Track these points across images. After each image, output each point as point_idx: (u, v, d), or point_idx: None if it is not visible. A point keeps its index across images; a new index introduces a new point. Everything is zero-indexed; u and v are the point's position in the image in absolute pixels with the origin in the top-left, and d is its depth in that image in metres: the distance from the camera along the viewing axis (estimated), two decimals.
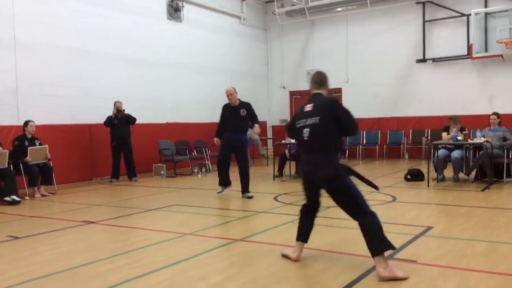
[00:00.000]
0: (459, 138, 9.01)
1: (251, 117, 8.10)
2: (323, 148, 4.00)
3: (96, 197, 8.79)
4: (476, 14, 13.18)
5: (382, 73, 14.99)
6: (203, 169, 12.10)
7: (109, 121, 10.67)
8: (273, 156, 13.36)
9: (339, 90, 15.59)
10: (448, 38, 14.06)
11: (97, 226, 6.17)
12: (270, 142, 16.47)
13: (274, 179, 10.43)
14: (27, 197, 8.60)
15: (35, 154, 8.84)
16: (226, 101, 8.15)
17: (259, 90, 16.65)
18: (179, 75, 13.41)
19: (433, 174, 9.46)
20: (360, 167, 12.54)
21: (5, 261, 4.60)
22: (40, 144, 9.10)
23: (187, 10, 13.71)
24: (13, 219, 6.79)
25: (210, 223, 6.13)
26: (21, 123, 9.15)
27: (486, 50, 13.26)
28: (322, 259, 4.33)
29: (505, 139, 9.05)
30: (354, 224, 3.96)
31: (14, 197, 8.00)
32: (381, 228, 3.85)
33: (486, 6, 13.39)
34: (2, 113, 9.38)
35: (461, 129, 9.32)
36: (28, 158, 8.70)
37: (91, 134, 10.95)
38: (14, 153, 8.72)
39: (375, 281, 3.70)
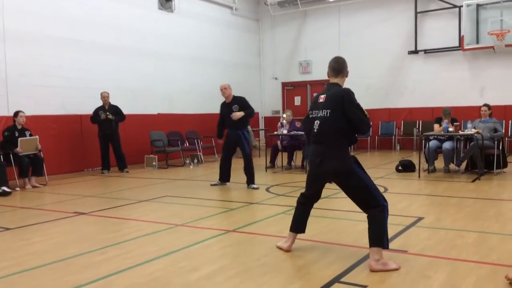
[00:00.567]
0: (450, 129, 9.06)
1: (244, 109, 8.09)
2: (333, 141, 3.92)
3: (87, 188, 8.76)
4: (468, 5, 13.23)
5: (374, 64, 15.00)
6: (195, 160, 12.08)
7: (95, 116, 10.56)
8: (265, 147, 13.36)
9: None
10: (440, 30, 14.09)
11: (89, 217, 6.15)
12: (262, 133, 16.47)
13: (266, 170, 10.43)
14: (17, 188, 8.56)
15: (26, 145, 8.78)
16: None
17: (251, 81, 16.60)
18: (171, 65, 13.31)
19: (424, 165, 9.53)
20: None
21: None
22: (30, 135, 9.03)
23: (179, 0, 13.60)
24: (4, 210, 6.76)
25: (202, 214, 6.13)
26: (11, 114, 9.05)
27: (477, 42, 13.33)
28: (314, 250, 4.35)
29: (495, 130, 9.12)
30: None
31: (4, 188, 7.97)
32: (385, 224, 3.82)
33: None
34: None
35: (452, 121, 9.38)
36: (18, 149, 8.63)
37: (82, 125, 10.86)
38: (4, 144, 8.67)
39: (367, 272, 3.72)
